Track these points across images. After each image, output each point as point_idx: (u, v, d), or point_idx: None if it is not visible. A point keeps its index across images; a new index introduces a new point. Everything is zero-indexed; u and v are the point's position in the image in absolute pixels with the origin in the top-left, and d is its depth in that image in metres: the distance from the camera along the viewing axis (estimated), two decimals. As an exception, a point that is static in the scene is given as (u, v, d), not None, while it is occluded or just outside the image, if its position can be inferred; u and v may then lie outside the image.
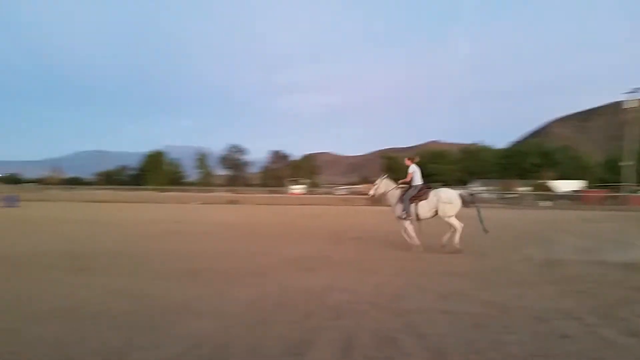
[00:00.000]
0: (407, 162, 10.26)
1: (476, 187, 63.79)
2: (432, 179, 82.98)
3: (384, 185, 10.43)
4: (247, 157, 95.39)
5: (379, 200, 10.83)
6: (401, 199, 9.91)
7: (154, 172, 78.93)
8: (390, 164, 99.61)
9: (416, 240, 9.73)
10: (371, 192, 10.62)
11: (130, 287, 6.21)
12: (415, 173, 9.98)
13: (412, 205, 9.74)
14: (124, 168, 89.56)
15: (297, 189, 66.18)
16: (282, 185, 70.32)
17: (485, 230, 9.62)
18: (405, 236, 9.93)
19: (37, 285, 6.24)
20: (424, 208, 9.66)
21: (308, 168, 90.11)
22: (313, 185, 75.66)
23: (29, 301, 5.40)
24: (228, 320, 4.69)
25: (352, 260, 8.41)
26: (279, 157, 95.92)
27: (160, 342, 4.05)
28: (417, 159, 10.23)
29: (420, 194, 9.77)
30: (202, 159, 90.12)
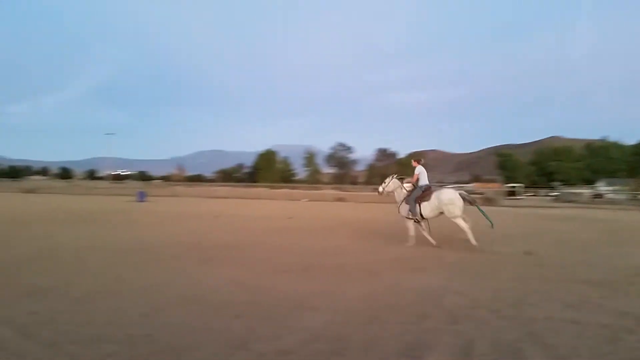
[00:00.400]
0: (414, 163, 11.07)
1: (603, 187, 57.57)
2: (553, 178, 77.06)
3: (392, 184, 11.23)
4: (353, 155, 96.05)
5: (386, 197, 11.71)
6: (407, 199, 10.69)
7: (267, 170, 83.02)
8: (504, 161, 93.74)
9: (413, 240, 10.53)
10: (380, 189, 11.46)
11: (249, 278, 6.81)
12: (421, 174, 10.74)
13: (417, 206, 10.45)
14: (240, 166, 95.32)
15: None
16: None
17: (492, 225, 10.39)
18: (410, 234, 10.66)
19: (166, 274, 7.07)
20: (427, 209, 10.36)
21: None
22: (421, 184, 73.76)
23: (160, 288, 6.13)
24: (342, 316, 4.91)
25: (466, 262, 8.53)
26: (385, 154, 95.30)
27: (279, 333, 4.36)
28: (423, 161, 11.07)
29: (424, 195, 10.47)
30: (310, 158, 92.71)
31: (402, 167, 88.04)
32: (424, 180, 10.68)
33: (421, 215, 10.45)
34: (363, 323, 4.63)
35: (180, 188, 59.01)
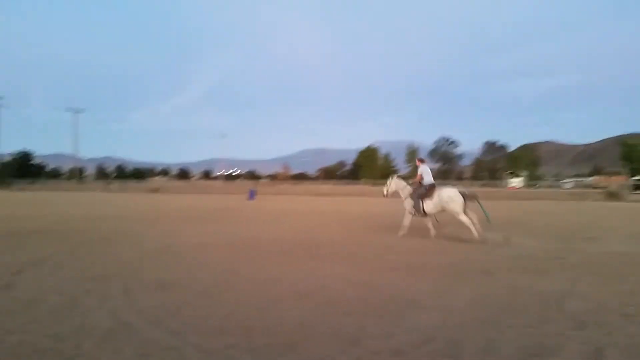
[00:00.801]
0: (418, 162, 12.09)
1: None
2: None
3: (395, 184, 12.09)
4: (458, 150, 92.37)
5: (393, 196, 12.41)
6: (411, 196, 11.50)
7: (368, 167, 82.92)
8: (629, 152, 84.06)
9: (405, 230, 11.40)
10: (384, 192, 12.29)
11: (358, 275, 6.81)
12: (425, 173, 11.54)
13: (420, 202, 11.19)
14: (342, 164, 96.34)
15: (515, 182, 61.22)
16: (496, 178, 65.97)
17: (489, 221, 10.92)
18: (404, 226, 11.52)
19: (278, 269, 7.28)
20: (430, 205, 11.07)
21: (527, 159, 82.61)
22: (533, 178, 69.02)
23: (274, 283, 6.32)
24: (457, 317, 4.74)
25: (591, 263, 7.96)
26: (493, 148, 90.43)
27: (391, 332, 4.31)
28: (426, 161, 11.91)
29: (427, 193, 11.15)
30: (412, 153, 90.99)
31: (513, 161, 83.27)
32: (428, 179, 11.51)
33: (424, 211, 11.22)
34: (479, 325, 4.44)
35: (286, 186, 61.24)
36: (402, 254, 8.76)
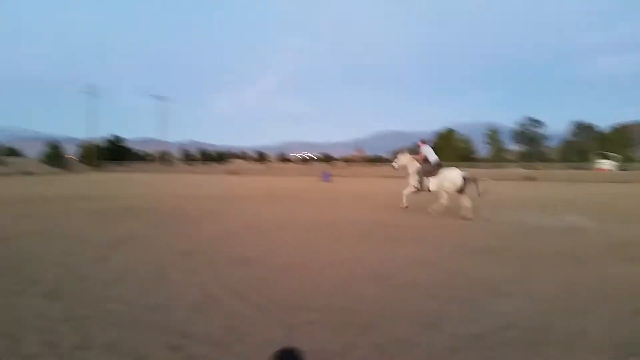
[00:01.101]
0: (420, 143, 12.93)
1: None
2: None
3: (404, 159, 13.04)
4: (543, 131, 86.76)
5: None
6: (418, 173, 12.42)
7: (445, 150, 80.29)
8: None
9: (406, 203, 12.66)
10: (394, 165, 13.42)
11: (437, 259, 6.63)
12: (427, 153, 12.40)
13: (425, 179, 12.17)
14: (417, 146, 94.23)
15: (606, 164, 56.69)
16: (586, 160, 61.40)
17: (479, 194, 11.59)
18: (405, 199, 12.82)
19: (355, 250, 7.23)
20: (434, 183, 11.99)
21: (620, 141, 75.99)
22: (627, 161, 63.42)
23: (350, 263, 6.28)
24: (542, 305, 4.48)
25: None
26: (582, 128, 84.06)
27: (471, 316, 4.16)
28: (428, 142, 12.90)
29: (433, 171, 12.05)
30: (493, 135, 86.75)
31: (604, 143, 77.05)
32: (432, 157, 12.41)
33: (428, 188, 12.28)
34: (565, 313, 4.19)
35: (360, 169, 61.00)
36: (483, 237, 8.45)
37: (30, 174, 48.43)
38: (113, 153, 70.52)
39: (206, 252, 6.83)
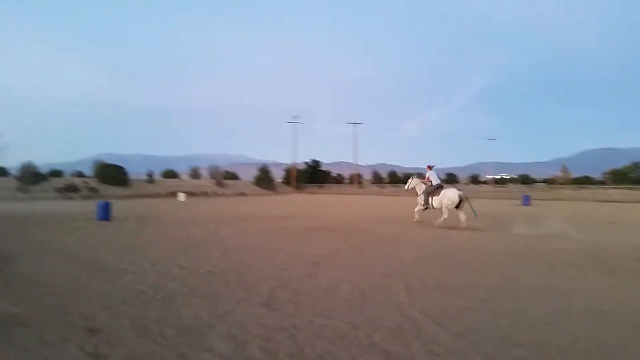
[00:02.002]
0: (427, 168, 15.59)
1: None
2: None
3: (414, 182, 15.85)
4: None
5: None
6: (424, 193, 15.18)
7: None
8: None
9: (419, 218, 15.28)
10: (406, 187, 16.37)
11: None
12: (432, 176, 15.20)
13: (429, 198, 14.88)
14: (636, 165, 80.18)
15: None
16: None
17: (475, 214, 14.18)
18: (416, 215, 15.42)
19: (564, 281, 6.59)
20: (436, 201, 14.58)
21: None
22: None
23: (560, 296, 5.72)
24: None
25: None
26: None
27: None
28: (434, 167, 15.52)
29: (434, 191, 14.75)
30: None
31: None
32: (435, 181, 15.08)
33: (432, 206, 14.71)
34: None
35: (565, 191, 54.67)
36: None
37: (244, 194, 55.75)
38: (312, 176, 76.65)
39: (403, 275, 6.89)
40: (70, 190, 44.05)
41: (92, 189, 46.37)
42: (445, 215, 14.19)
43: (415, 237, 11.94)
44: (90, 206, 20.01)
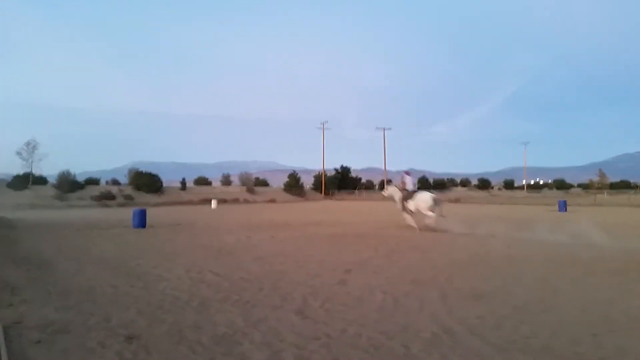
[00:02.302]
0: (403, 174, 16.60)
1: None
2: None
3: (391, 189, 17.01)
4: None
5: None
6: (400, 199, 16.00)
7: None
8: None
9: (414, 224, 15.26)
10: (383, 193, 17.92)
11: None
12: (408, 182, 16.12)
13: (405, 203, 15.70)
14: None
15: None
16: None
17: (443, 216, 15.29)
18: (408, 222, 15.65)
19: (607, 291, 6.29)
20: (411, 205, 15.41)
21: None
22: None
23: (603, 306, 5.48)
24: None
25: None
26: None
27: None
28: (410, 173, 16.73)
29: (409, 196, 15.56)
30: None
31: None
32: (410, 186, 15.98)
33: (409, 210, 15.44)
34: None
35: (603, 196, 52.90)
36: None
37: (273, 201, 56.16)
38: (342, 182, 76.62)
39: (437, 283, 6.78)
40: (106, 197, 45.35)
41: (128, 197, 47.61)
42: (430, 218, 14.85)
43: (447, 243, 11.79)
44: (126, 213, 20.52)
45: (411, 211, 15.49)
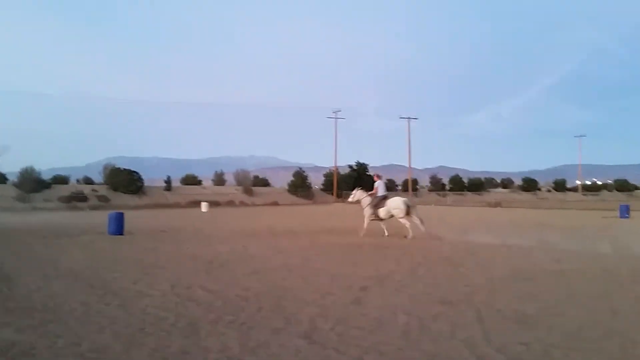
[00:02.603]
0: (375, 178, 18.18)
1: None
2: None
3: (358, 194, 17.78)
4: None
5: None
6: (370, 205, 16.98)
7: None
8: None
9: (364, 230, 16.77)
10: (350, 199, 18.87)
11: None
12: (380, 187, 17.24)
13: (375, 209, 16.74)
14: None
15: None
16: None
17: (422, 222, 16.31)
18: (365, 226, 16.97)
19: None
20: (383, 212, 16.57)
21: None
22: None
23: None
24: None
25: None
26: None
27: None
28: (382, 177, 18.76)
29: (381, 202, 16.67)
30: None
31: None
32: (381, 192, 16.98)
33: (380, 217, 16.67)
34: None
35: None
36: None
37: (276, 204, 56.33)
38: (357, 181, 76.55)
39: (472, 303, 6.75)
40: (76, 199, 45.72)
41: (102, 198, 47.98)
42: (406, 225, 16.23)
43: (484, 255, 11.76)
44: (101, 218, 20.66)
45: (382, 219, 16.75)
